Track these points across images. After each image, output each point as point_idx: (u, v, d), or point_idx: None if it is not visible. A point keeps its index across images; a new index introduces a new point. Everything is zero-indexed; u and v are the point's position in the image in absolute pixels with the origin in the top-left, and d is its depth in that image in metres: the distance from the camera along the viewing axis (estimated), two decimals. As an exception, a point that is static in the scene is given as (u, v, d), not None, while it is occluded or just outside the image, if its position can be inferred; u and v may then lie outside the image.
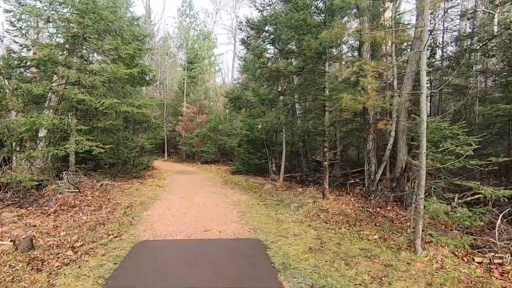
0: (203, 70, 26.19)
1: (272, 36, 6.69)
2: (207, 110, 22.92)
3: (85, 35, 7.26)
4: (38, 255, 3.86)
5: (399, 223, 5.86)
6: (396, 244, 4.58)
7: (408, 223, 5.75)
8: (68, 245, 4.26)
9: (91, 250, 4.15)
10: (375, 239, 4.93)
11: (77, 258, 3.85)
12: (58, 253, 3.98)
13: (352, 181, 9.25)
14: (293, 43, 7.82)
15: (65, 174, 6.78)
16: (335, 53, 9.99)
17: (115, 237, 4.72)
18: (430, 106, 10.87)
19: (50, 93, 8.18)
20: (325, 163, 7.84)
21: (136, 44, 8.22)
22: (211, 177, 13.67)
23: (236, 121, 19.48)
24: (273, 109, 8.84)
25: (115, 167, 11.15)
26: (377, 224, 5.84)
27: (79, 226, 5.23)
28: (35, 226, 5.06)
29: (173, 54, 32.57)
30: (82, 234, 4.78)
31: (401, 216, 6.38)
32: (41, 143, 7.04)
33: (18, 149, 8.26)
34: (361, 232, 5.31)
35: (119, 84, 8.77)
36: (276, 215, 6.53)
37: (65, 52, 7.62)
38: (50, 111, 7.20)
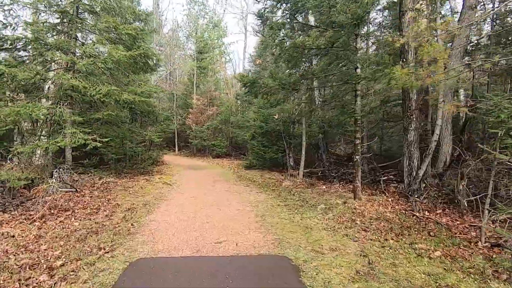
0: (213, 60, 25.11)
1: (296, 5, 5.52)
2: (218, 101, 21.91)
3: (78, 13, 6.31)
4: (0, 282, 2.94)
5: (460, 233, 4.67)
6: (474, 267, 3.43)
7: (474, 233, 4.57)
8: (45, 265, 3.34)
9: (72, 273, 3.20)
10: (439, 257, 3.78)
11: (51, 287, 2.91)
12: (29, 279, 3.05)
13: (385, 178, 8.03)
14: (317, 17, 6.61)
15: (56, 171, 5.92)
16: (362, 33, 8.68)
17: (106, 252, 3.77)
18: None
19: (49, 81, 7.43)
20: (357, 157, 6.67)
21: (138, 25, 7.21)
22: (223, 172, 12.70)
23: (248, 113, 18.38)
24: (293, 95, 7.72)
25: (120, 163, 10.32)
26: (431, 234, 4.67)
27: (67, 236, 4.32)
28: (13, 236, 4.18)
29: (182, 46, 31.62)
30: (68, 248, 3.86)
31: (458, 222, 5.17)
32: (32, 136, 6.18)
33: (19, 142, 7.55)
34: (415, 245, 4.17)
35: (120, 71, 7.82)
36: (302, 220, 5.46)
37: (58, 34, 6.70)
38: (42, 100, 6.34)
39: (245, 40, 30.42)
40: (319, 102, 12.27)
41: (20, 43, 5.75)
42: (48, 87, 7.38)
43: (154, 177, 10.16)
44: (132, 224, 4.93)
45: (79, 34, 7.08)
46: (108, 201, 6.42)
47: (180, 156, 21.88)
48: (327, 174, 9.98)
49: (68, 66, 6.65)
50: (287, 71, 7.48)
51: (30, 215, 4.93)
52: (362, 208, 6.10)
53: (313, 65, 8.39)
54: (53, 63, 7.56)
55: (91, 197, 6.53)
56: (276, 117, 10.39)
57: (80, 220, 5.10)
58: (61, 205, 5.49)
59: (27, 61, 6.27)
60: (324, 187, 8.67)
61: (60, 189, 6.46)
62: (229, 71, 33.49)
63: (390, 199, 6.71)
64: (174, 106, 24.37)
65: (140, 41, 7.42)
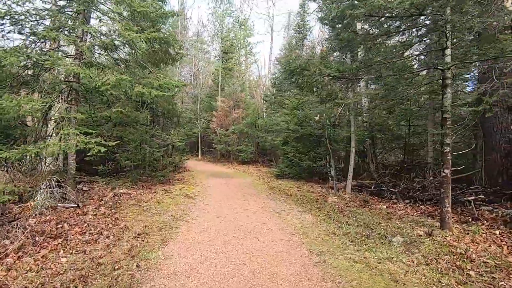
0: (239, 61, 23.90)
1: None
2: (243, 104, 20.54)
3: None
4: None
5: None
6: None
7: None
8: None
9: None
10: None
11: None
12: None
13: (472, 197, 6.04)
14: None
15: (46, 184, 4.64)
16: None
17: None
18: None
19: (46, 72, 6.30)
20: (447, 170, 4.80)
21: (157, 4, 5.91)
22: (252, 182, 11.13)
23: (278, 115, 16.79)
24: (349, 88, 6.07)
25: (138, 170, 9.09)
26: None
27: (42, 285, 2.91)
28: (-37, 285, 2.83)
29: (207, 48, 30.83)
30: (33, 314, 2.43)
31: None
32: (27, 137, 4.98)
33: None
34: None
35: (136, 61, 6.55)
36: (381, 264, 3.71)
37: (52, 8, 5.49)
38: (35, 94, 5.17)
39: (271, 41, 28.98)
40: (367, 103, 10.42)
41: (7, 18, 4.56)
42: (41, 78, 6.05)
43: (174, 187, 8.80)
44: (138, 265, 3.44)
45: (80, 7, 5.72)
46: (115, 221, 5.04)
47: (203, 161, 20.67)
48: (382, 189, 8.07)
49: (75, 54, 5.47)
50: (341, 59, 5.79)
51: (4, 246, 3.61)
52: (462, 246, 4.23)
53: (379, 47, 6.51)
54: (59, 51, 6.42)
55: (95, 215, 5.19)
56: (317, 118, 8.72)
57: (71, 253, 3.71)
58: (51, 229, 4.15)
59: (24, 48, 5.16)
60: (384, 206, 6.81)
61: (59, 205, 5.19)
62: (255, 73, 32.23)
63: (497, 232, 4.75)
64: (197, 109, 23.34)
65: (160, 24, 6.15)
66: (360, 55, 6.06)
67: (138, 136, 8.99)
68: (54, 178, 4.69)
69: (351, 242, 4.54)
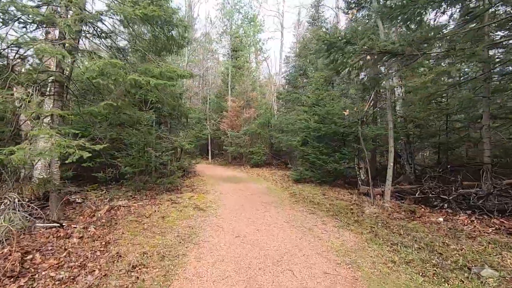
0: (249, 59, 22.81)
1: None
2: (255, 103, 19.40)
3: None
4: None
5: None
6: None
7: None
8: None
9: None
10: None
11: None
12: None
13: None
14: None
15: (8, 200, 3.55)
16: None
17: None
18: None
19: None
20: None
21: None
22: (269, 187, 9.92)
23: (293, 113, 15.54)
24: (400, 69, 4.84)
25: (142, 176, 8.03)
26: None
27: None
28: None
29: (215, 49, 29.87)
30: None
31: None
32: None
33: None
34: None
35: (134, 47, 5.49)
36: (489, 321, 2.45)
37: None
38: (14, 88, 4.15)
39: (282, 39, 27.68)
40: (401, 94, 9.07)
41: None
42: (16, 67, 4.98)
43: (182, 195, 7.69)
44: (124, 329, 2.30)
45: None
46: (105, 246, 3.93)
47: (213, 165, 19.59)
48: (430, 196, 6.72)
49: (58, 37, 4.44)
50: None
51: None
52: None
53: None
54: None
55: (81, 237, 4.10)
56: (346, 113, 7.47)
57: (34, 303, 2.60)
58: (13, 265, 3.05)
59: None
60: (441, 219, 5.48)
61: (37, 225, 4.13)
62: (265, 71, 31.06)
63: None
64: (207, 110, 22.33)
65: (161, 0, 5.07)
66: (427, 21, 4.62)
67: (141, 138, 7.95)
68: (11, 196, 3.61)
69: (422, 276, 3.28)
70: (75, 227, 4.33)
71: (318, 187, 9.44)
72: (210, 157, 21.89)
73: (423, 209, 6.27)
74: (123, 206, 5.76)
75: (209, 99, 23.11)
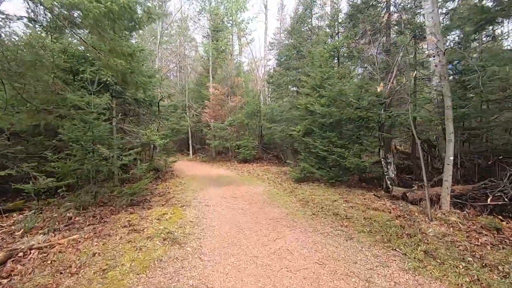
0: (231, 41, 20.23)
1: None
2: (241, 90, 16.99)
3: None
4: None
5: None
6: None
7: None
8: None
9: None
10: None
11: None
12: None
13: None
14: None
15: None
16: None
17: None
18: None
19: None
20: None
21: None
22: (269, 191, 7.68)
23: (286, 100, 13.34)
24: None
25: (89, 187, 5.55)
26: None
27: None
28: None
29: (193, 37, 26.91)
30: None
31: None
32: None
33: None
34: None
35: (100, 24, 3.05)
36: None
37: None
38: None
39: (266, 21, 25.16)
40: (438, 66, 7.04)
41: None
42: None
43: (151, 212, 5.30)
44: None
45: None
46: None
47: (195, 161, 17.08)
48: (505, 201, 4.76)
49: None
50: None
51: None
52: None
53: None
54: None
55: None
56: (379, 89, 5.35)
57: None
58: None
59: None
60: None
61: None
62: (249, 57, 28.51)
63: None
64: (186, 100, 19.64)
65: None
66: None
67: (86, 132, 5.44)
68: None
69: None
70: None
71: (330, 189, 7.34)
72: (191, 153, 19.33)
73: (510, 223, 4.31)
74: (38, 249, 3.32)
75: (188, 88, 20.39)
